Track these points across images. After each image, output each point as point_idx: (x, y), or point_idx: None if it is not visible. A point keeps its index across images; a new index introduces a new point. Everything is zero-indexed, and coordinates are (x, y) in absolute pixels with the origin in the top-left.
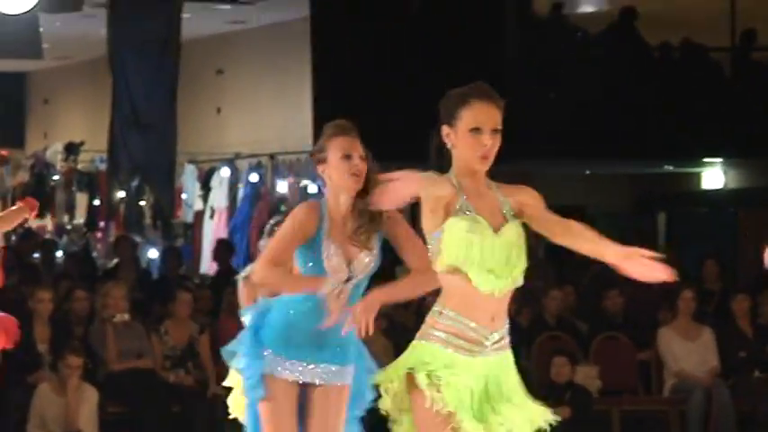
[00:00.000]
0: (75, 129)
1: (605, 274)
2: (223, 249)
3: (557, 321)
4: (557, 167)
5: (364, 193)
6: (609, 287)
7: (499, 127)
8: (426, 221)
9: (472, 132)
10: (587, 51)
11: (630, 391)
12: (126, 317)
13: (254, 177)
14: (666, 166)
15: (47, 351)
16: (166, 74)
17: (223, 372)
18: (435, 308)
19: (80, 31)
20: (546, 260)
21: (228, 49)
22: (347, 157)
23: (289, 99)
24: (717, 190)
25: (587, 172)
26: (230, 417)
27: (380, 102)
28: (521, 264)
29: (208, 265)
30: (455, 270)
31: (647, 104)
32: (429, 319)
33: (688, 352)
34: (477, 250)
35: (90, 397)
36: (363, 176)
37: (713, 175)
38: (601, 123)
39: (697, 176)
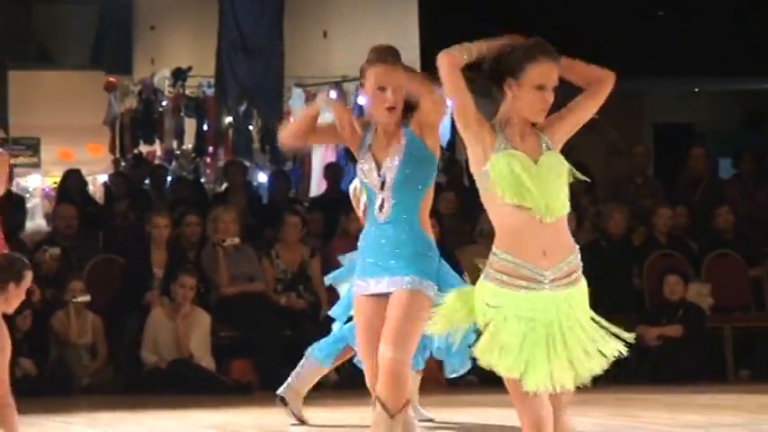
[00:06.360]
0: (182, 54)
1: (716, 192)
2: (332, 172)
3: (667, 240)
4: (665, 86)
5: (408, 115)
6: (719, 204)
7: (557, 84)
8: (472, 155)
9: (537, 89)
10: None
11: (742, 308)
12: (236, 241)
13: (361, 100)
14: None
15: (162, 275)
16: None
17: (334, 294)
18: (493, 249)
19: None
20: (655, 179)
21: None
22: (381, 88)
23: (395, 20)
24: None
25: (696, 89)
26: None
27: (485, 23)
28: (563, 191)
29: (317, 188)
30: (509, 203)
31: (754, 21)
32: (489, 258)
33: None
34: (525, 178)
35: (202, 321)
36: (398, 109)
37: None
38: (709, 41)
39: None
